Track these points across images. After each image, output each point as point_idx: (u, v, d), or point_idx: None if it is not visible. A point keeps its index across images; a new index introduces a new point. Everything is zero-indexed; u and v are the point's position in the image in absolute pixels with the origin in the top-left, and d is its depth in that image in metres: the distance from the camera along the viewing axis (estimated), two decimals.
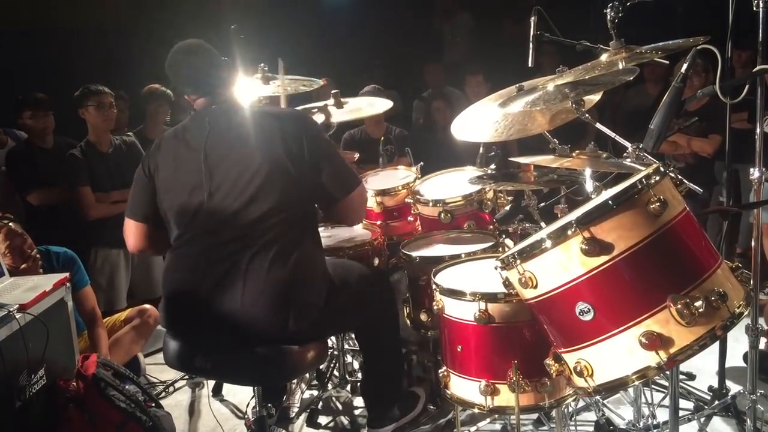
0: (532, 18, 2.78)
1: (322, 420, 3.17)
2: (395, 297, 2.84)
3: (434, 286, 2.38)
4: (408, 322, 2.96)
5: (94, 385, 2.72)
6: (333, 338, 3.36)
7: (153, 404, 2.95)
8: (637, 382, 1.79)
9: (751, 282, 2.28)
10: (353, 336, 3.55)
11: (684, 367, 3.13)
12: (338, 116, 3.48)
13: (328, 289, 2.32)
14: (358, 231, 3.29)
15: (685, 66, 2.10)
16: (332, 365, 3.41)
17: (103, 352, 3.35)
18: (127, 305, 4.09)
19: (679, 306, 1.66)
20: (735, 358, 3.31)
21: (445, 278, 2.47)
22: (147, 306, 3.73)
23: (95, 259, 4.12)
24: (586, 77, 2.34)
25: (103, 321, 3.58)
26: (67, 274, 2.88)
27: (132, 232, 2.46)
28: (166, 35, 2.99)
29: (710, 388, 3.02)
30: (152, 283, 4.27)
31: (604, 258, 1.72)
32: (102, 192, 4.14)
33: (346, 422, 3.16)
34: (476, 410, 2.34)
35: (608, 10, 2.29)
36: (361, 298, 2.56)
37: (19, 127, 4.62)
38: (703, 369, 3.19)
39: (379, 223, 3.32)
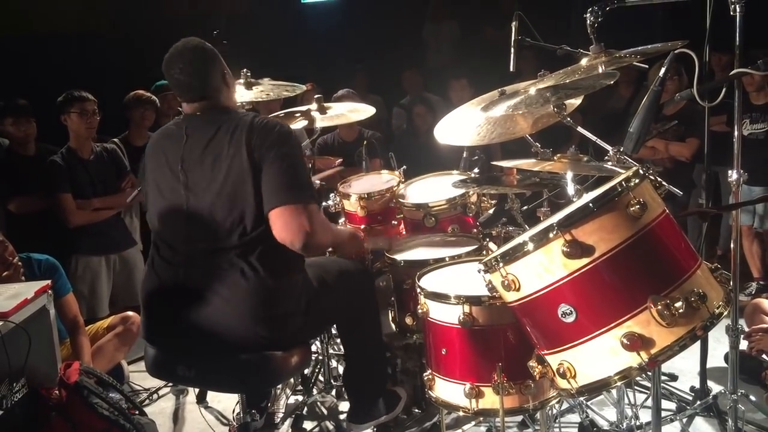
0: (514, 23, 2.80)
1: (307, 425, 3.16)
2: (375, 288, 2.83)
3: (419, 290, 2.39)
4: (393, 326, 2.96)
5: (76, 393, 2.68)
6: (317, 343, 3.36)
7: (137, 412, 2.92)
8: (619, 383, 1.80)
9: (731, 283, 2.31)
10: (338, 340, 3.55)
11: (666, 368, 3.16)
12: (322, 121, 3.49)
13: (308, 295, 2.31)
14: None
15: (663, 70, 2.13)
16: (317, 370, 3.40)
17: (85, 360, 3.32)
18: (110, 312, 4.05)
19: (659, 307, 1.68)
20: (716, 358, 3.34)
21: (429, 282, 2.48)
22: (130, 313, 3.70)
23: (76, 266, 4.08)
24: (567, 81, 2.36)
25: (86, 329, 3.55)
26: (49, 282, 2.84)
27: None
28: (148, 42, 2.98)
29: (692, 389, 3.06)
30: (134, 291, 4.22)
31: (585, 260, 1.74)
32: (83, 199, 4.11)
33: (331, 427, 3.16)
34: (461, 413, 2.35)
35: (588, 15, 2.30)
36: (342, 295, 2.55)
37: (1, 134, 4.57)
38: (685, 370, 3.23)
39: (363, 227, 3.31)
